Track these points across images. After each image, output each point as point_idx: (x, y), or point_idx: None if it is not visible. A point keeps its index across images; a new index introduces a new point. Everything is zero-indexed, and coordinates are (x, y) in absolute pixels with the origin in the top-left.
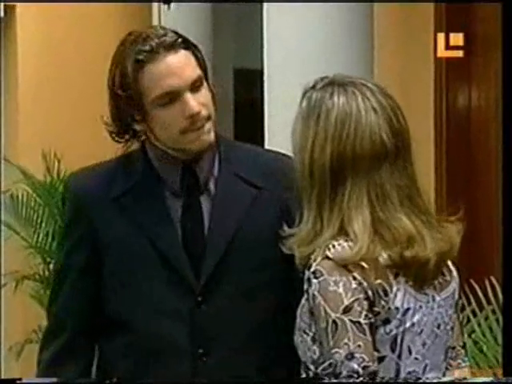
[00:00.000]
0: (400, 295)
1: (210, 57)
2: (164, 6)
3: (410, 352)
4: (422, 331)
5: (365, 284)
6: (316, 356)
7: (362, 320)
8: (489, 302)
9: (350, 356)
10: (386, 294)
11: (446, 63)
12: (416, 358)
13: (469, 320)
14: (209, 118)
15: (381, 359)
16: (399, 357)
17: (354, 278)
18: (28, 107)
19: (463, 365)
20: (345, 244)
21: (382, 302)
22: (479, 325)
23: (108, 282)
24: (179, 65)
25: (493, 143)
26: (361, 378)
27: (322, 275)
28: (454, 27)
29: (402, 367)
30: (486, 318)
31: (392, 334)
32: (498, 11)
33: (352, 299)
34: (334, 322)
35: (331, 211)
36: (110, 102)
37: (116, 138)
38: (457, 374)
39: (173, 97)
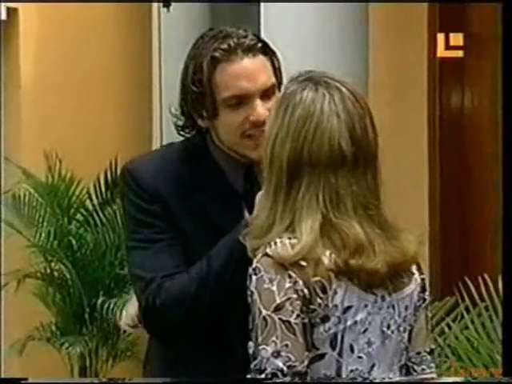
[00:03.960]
0: (340, 293)
1: None
2: (163, 9)
3: (352, 350)
4: (366, 330)
5: (300, 283)
6: (251, 351)
7: (292, 320)
8: (482, 299)
9: (276, 354)
10: (325, 292)
11: (440, 64)
12: (359, 357)
13: (462, 317)
14: None
15: (321, 356)
16: (340, 354)
17: (290, 277)
18: (30, 108)
19: (428, 371)
20: (286, 241)
21: (319, 300)
22: (472, 322)
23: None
24: (254, 69)
25: (487, 142)
26: (286, 378)
27: (260, 272)
28: (450, 27)
29: (344, 365)
30: (479, 315)
31: (331, 331)
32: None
33: (284, 298)
34: (264, 318)
35: (285, 206)
36: (181, 95)
37: (181, 132)
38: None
39: (243, 100)
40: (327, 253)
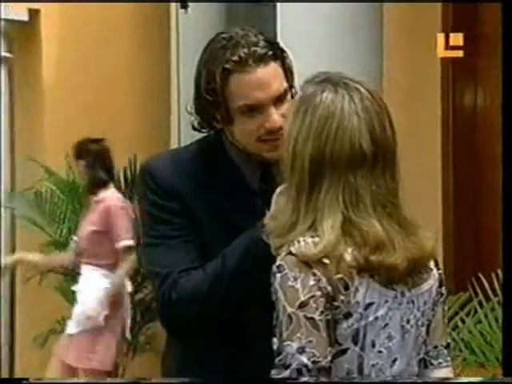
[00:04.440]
0: (362, 290)
1: None
2: (181, 10)
3: (374, 345)
4: (386, 325)
5: (324, 280)
6: (275, 347)
7: (316, 316)
8: (495, 294)
9: (301, 350)
10: (347, 289)
11: (452, 63)
12: (380, 351)
13: (476, 311)
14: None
15: (344, 351)
16: (362, 349)
17: (314, 275)
18: (51, 108)
19: (444, 364)
20: (309, 240)
21: (342, 297)
22: (486, 316)
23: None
24: (267, 79)
25: (500, 141)
26: (311, 373)
27: (284, 270)
28: (460, 27)
29: (366, 359)
30: (493, 309)
31: (354, 327)
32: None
33: (308, 295)
34: (289, 315)
35: (307, 206)
36: (195, 99)
37: (196, 128)
38: (438, 374)
39: (257, 108)
40: (349, 250)
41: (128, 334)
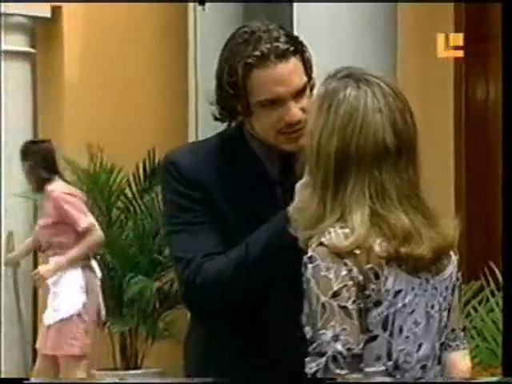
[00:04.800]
0: (391, 278)
1: None
2: (199, 7)
3: (401, 331)
4: (413, 311)
5: (355, 270)
6: (309, 336)
7: (349, 305)
8: None
9: (336, 338)
10: (377, 277)
11: (465, 61)
12: (407, 337)
13: (488, 300)
14: (307, 121)
15: (373, 338)
16: (391, 335)
17: (345, 265)
18: (74, 103)
19: (461, 347)
20: (340, 231)
21: (373, 286)
22: (497, 304)
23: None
24: (288, 74)
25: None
26: (344, 362)
27: (316, 260)
28: (475, 26)
29: (394, 345)
30: None
31: (383, 314)
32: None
33: (341, 285)
34: (323, 305)
35: (334, 201)
36: (216, 92)
37: (218, 118)
38: (456, 356)
39: (277, 102)
40: (378, 242)
41: (103, 317)
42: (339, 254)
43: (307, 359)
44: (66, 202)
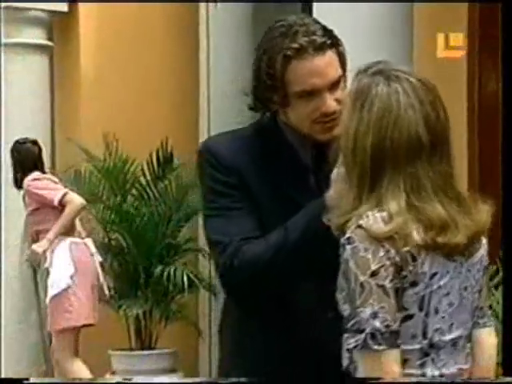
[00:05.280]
0: (428, 261)
1: (249, 53)
2: (212, 5)
3: (437, 311)
4: (448, 293)
5: (392, 251)
6: (346, 313)
7: (386, 284)
8: None
9: (374, 315)
10: (414, 260)
11: (478, 58)
12: (443, 317)
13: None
14: (341, 112)
15: (409, 317)
16: (426, 315)
17: (383, 246)
18: (89, 93)
19: (488, 324)
20: (377, 215)
21: (410, 267)
22: None
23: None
24: (324, 66)
25: None
26: (382, 338)
27: (354, 242)
28: (488, 26)
29: (430, 324)
30: None
31: (420, 294)
32: None
33: (379, 265)
34: (361, 284)
35: (369, 195)
36: (254, 83)
37: (252, 107)
38: (483, 333)
39: (313, 93)
40: (416, 230)
41: (106, 291)
42: (377, 237)
43: (346, 335)
44: (36, 187)
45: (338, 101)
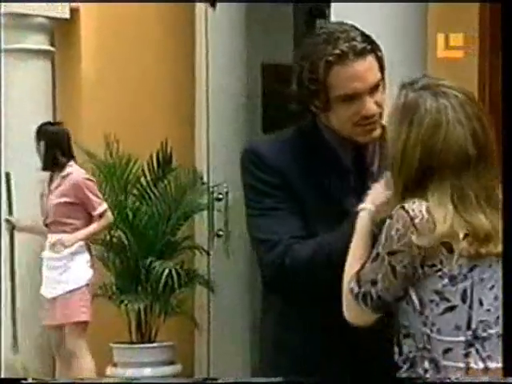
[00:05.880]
0: (466, 254)
1: (244, 52)
2: (210, 8)
3: (482, 304)
4: (493, 286)
5: (421, 239)
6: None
7: (398, 267)
8: None
9: (373, 282)
10: (451, 252)
11: (489, 61)
12: (488, 310)
13: None
14: (380, 115)
15: (452, 308)
16: (470, 307)
17: (412, 233)
18: (90, 97)
19: None
20: (423, 202)
21: (442, 258)
22: None
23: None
24: (364, 71)
25: None
26: (371, 302)
27: (392, 219)
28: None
29: (474, 316)
30: None
31: (459, 286)
32: None
33: (400, 248)
34: (378, 254)
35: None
36: (296, 88)
37: (294, 112)
38: None
39: (354, 97)
40: (462, 233)
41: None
42: (413, 222)
43: (354, 276)
44: (87, 187)
45: (378, 104)
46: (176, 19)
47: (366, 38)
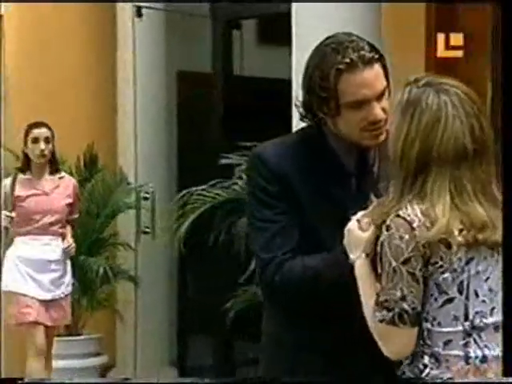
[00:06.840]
0: (464, 248)
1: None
2: (137, 19)
3: (477, 295)
4: (488, 278)
5: (424, 242)
6: (377, 290)
7: (416, 272)
8: None
9: (403, 298)
10: (450, 247)
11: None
12: (483, 301)
13: None
14: (386, 120)
15: (450, 300)
16: (467, 298)
17: (415, 237)
18: (13, 102)
19: None
20: (416, 206)
21: (442, 254)
22: None
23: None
24: (373, 79)
25: None
26: (408, 318)
27: (391, 229)
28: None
29: (471, 307)
30: None
31: (458, 279)
32: None
33: (411, 254)
34: (393, 269)
35: (413, 197)
36: (305, 94)
37: (301, 118)
38: None
39: (363, 103)
40: (458, 229)
41: None
42: (412, 226)
43: (376, 308)
44: (77, 192)
45: (384, 110)
46: (98, 25)
47: (373, 48)
